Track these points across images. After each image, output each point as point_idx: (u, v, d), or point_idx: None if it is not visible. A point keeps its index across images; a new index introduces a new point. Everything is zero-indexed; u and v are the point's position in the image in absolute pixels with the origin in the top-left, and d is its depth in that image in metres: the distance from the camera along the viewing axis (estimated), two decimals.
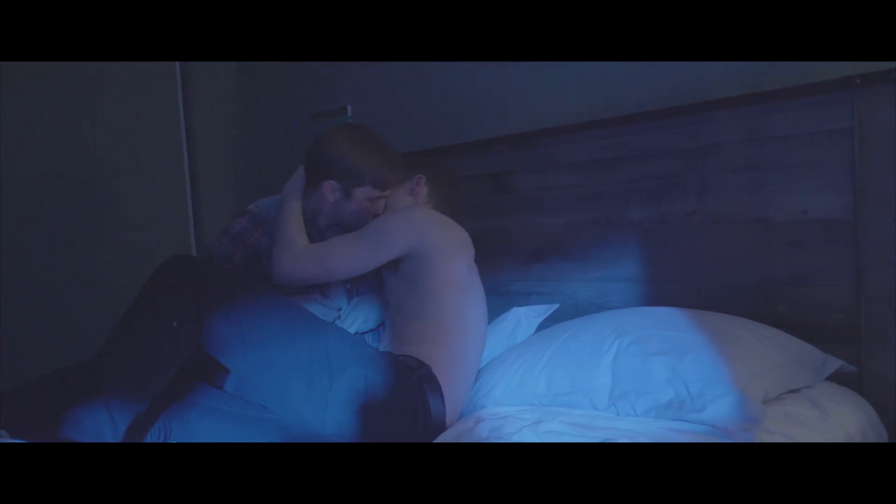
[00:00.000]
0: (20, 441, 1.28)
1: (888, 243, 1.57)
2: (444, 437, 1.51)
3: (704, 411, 1.36)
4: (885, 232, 1.57)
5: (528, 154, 2.24)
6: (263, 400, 1.54)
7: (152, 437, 1.55)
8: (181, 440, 1.57)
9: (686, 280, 1.90)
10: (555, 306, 2.09)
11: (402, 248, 1.74)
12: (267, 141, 3.37)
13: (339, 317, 1.93)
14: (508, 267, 2.32)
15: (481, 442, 1.42)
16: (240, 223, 1.94)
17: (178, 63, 3.26)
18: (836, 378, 1.61)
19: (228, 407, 1.61)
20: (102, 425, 1.35)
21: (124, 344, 1.45)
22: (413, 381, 1.57)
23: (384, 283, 1.88)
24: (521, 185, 2.27)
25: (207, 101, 3.36)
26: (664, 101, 1.95)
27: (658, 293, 1.95)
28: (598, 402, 1.52)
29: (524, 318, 2.02)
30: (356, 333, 1.92)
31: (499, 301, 2.29)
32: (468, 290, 1.77)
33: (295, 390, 1.50)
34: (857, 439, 1.44)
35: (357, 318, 1.95)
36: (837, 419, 1.44)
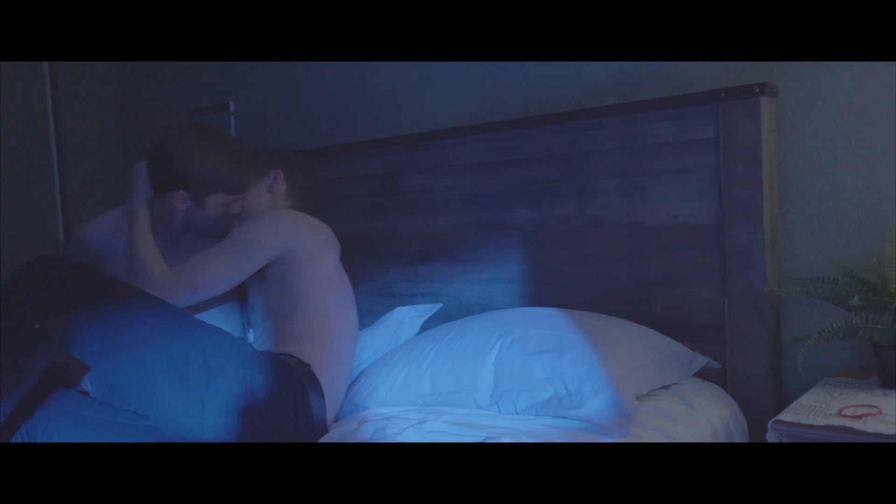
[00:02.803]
0: None
1: (749, 248, 1.67)
2: (327, 439, 1.49)
3: (581, 408, 1.41)
4: (747, 237, 1.67)
5: (416, 155, 2.25)
6: (136, 405, 1.46)
7: None
8: None
9: (566, 281, 1.96)
10: (438, 305, 2.11)
11: (271, 255, 1.70)
12: (145, 136, 3.21)
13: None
14: (394, 268, 2.32)
15: (365, 442, 1.41)
16: None
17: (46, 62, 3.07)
18: (703, 374, 1.70)
19: (98, 414, 1.52)
20: None
21: None
22: (294, 380, 1.55)
23: (247, 288, 1.82)
24: (408, 187, 2.28)
25: (80, 95, 3.17)
26: (548, 108, 2.01)
27: (539, 294, 2.01)
28: (481, 400, 1.55)
29: (408, 317, 2.03)
30: None
31: (384, 302, 2.29)
32: (338, 287, 1.77)
33: (170, 393, 1.44)
34: (722, 432, 1.53)
35: None
36: (704, 413, 1.52)
